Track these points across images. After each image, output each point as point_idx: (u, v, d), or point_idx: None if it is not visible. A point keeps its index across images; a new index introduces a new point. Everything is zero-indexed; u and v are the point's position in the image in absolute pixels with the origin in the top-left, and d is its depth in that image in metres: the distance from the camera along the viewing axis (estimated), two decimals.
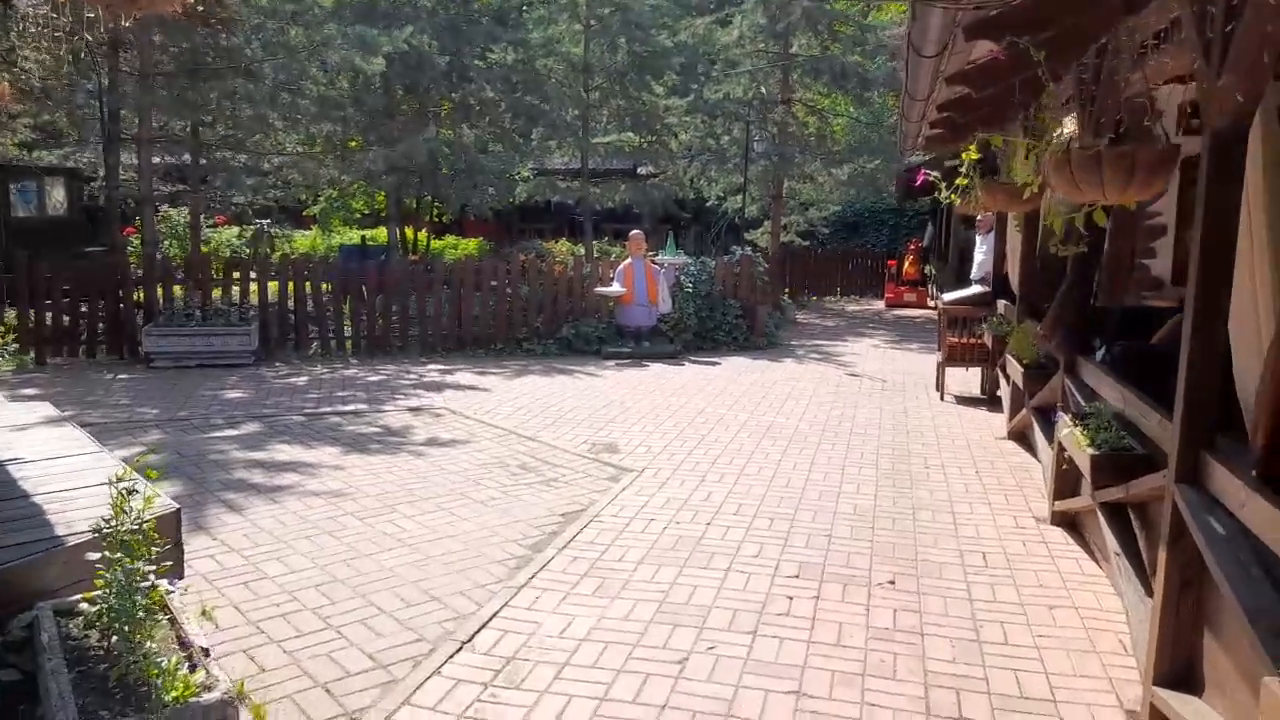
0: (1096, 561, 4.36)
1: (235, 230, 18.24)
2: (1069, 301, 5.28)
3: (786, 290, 16.86)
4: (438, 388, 8.78)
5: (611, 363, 10.36)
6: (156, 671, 2.51)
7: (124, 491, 2.73)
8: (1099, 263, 5.50)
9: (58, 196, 13.95)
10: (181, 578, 3.62)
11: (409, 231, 18.25)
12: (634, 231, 11.52)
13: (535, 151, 17.49)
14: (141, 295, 10.29)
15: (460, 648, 3.42)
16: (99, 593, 2.76)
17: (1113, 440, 3.82)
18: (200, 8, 10.43)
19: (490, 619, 3.68)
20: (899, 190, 17.19)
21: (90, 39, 11.90)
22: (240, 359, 9.69)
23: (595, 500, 5.27)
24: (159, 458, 6.00)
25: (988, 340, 7.88)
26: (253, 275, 10.68)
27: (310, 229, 20.58)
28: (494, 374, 9.57)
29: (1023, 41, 2.77)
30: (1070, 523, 4.88)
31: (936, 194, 4.46)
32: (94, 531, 2.85)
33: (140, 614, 2.61)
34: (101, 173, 13.99)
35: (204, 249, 16.43)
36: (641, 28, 15.89)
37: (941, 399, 8.42)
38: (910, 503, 5.30)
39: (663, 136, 17.20)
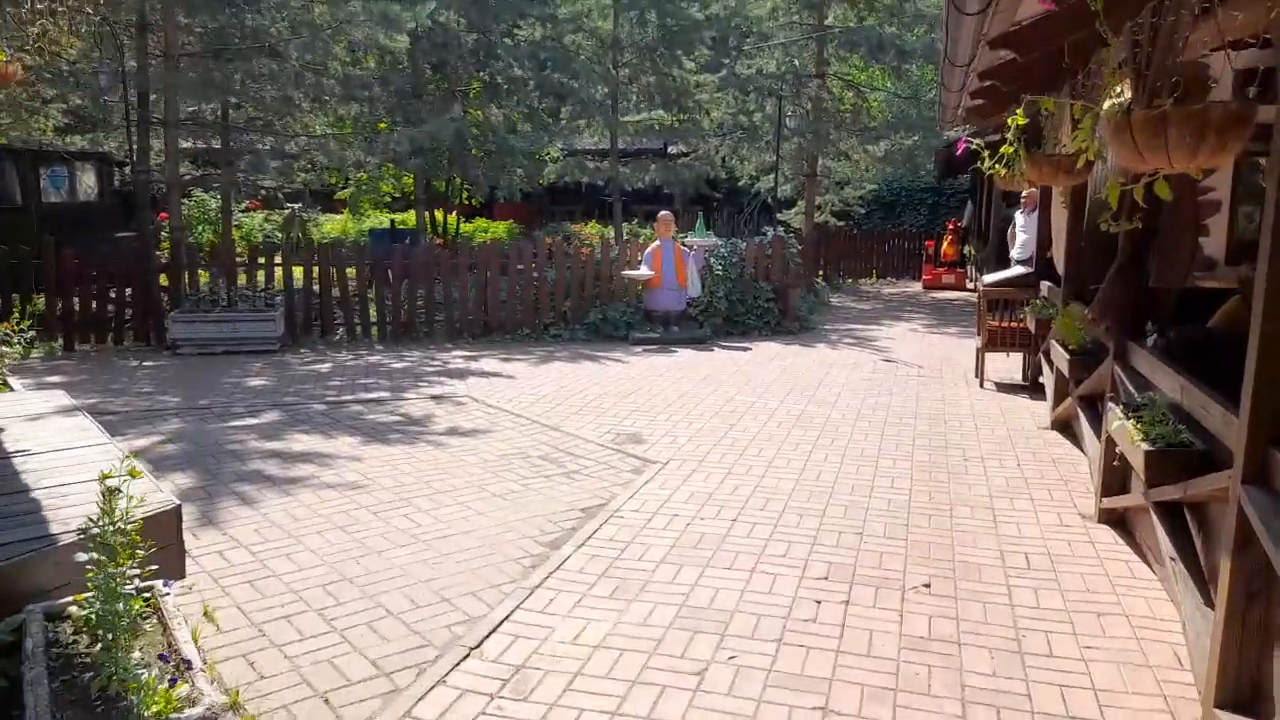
0: (1148, 564, 4.08)
1: (262, 215, 18.27)
2: (1120, 282, 4.94)
3: (821, 272, 16.49)
4: (462, 374, 8.64)
5: (639, 348, 10.15)
6: (135, 685, 2.36)
7: (108, 491, 2.58)
8: (1153, 240, 5.15)
9: (88, 181, 14.00)
10: (183, 577, 3.50)
11: (438, 215, 18.16)
12: (662, 213, 11.25)
13: (564, 131, 17.25)
14: (167, 281, 10.28)
15: (468, 654, 3.25)
16: (90, 595, 2.63)
17: (1169, 435, 3.53)
18: None
19: (501, 623, 3.50)
20: (938, 167, 16.70)
21: (117, 22, 11.90)
22: (266, 345, 9.63)
23: (617, 494, 5.08)
24: (175, 447, 5.94)
25: (1030, 324, 7.52)
26: (278, 261, 10.61)
27: (341, 213, 20.57)
28: (519, 360, 9.40)
29: None
30: (1119, 521, 4.58)
31: (979, 163, 4.16)
32: (80, 532, 2.71)
33: (124, 621, 2.47)
34: (133, 157, 14.07)
35: (236, 233, 16.50)
36: (672, 0, 15.54)
37: (981, 386, 8.10)
38: (947, 498, 5.03)
39: (693, 114, 16.85)
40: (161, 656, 2.65)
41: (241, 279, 10.46)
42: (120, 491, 2.63)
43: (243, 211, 18.63)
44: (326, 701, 2.96)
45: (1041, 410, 7.02)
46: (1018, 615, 3.60)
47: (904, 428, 6.58)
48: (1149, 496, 3.78)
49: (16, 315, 5.68)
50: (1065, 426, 6.40)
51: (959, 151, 4.19)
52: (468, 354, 9.78)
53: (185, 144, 13.65)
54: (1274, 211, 2.49)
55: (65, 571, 2.99)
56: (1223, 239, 6.19)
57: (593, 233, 17.86)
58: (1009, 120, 3.78)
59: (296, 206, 17.46)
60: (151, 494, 3.46)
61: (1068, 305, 6.17)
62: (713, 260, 11.33)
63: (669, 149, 19.18)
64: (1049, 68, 4.31)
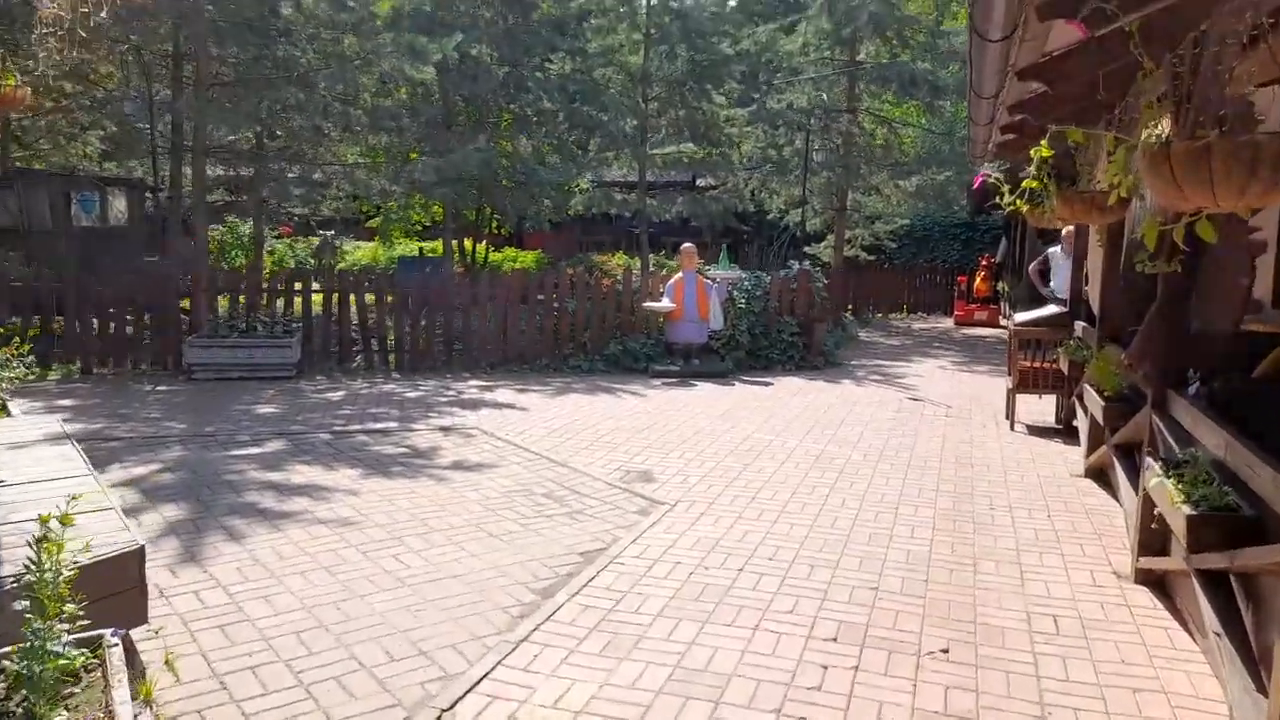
0: (1190, 634, 3.73)
1: (288, 242, 18.40)
2: (1159, 325, 4.62)
3: (849, 306, 16.19)
4: (474, 405, 8.46)
5: (658, 381, 9.92)
6: None
7: (36, 540, 2.39)
8: (1195, 281, 4.83)
9: (119, 207, 14.17)
10: (144, 623, 3.29)
11: (468, 243, 18.16)
12: (685, 245, 11.06)
13: (593, 163, 17.21)
14: (188, 306, 10.27)
15: (438, 717, 3.01)
16: (15, 649, 2.43)
17: (1213, 497, 3.22)
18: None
19: (479, 681, 3.25)
20: (971, 202, 16.38)
21: (152, 51, 12.07)
22: (282, 372, 9.55)
23: (619, 537, 4.83)
24: (173, 476, 5.80)
25: (1063, 365, 7.18)
26: (297, 287, 10.56)
27: (372, 240, 20.70)
28: (535, 391, 9.21)
29: (1110, 5, 2.23)
30: (1157, 582, 4.23)
31: (999, 199, 3.90)
32: (14, 579, 2.52)
33: (45, 684, 2.26)
34: (165, 184, 14.22)
35: (268, 259, 16.61)
36: (702, 35, 15.49)
37: (1011, 428, 7.74)
38: (971, 551, 4.71)
39: (723, 148, 16.73)
40: None
41: (264, 305, 10.42)
42: (53, 536, 2.44)
43: (276, 238, 18.79)
44: None
45: (1075, 456, 6.66)
46: (1044, 689, 3.28)
47: (928, 472, 6.26)
48: (1191, 562, 3.45)
49: (17, 340, 5.58)
50: (1100, 474, 6.04)
51: (975, 185, 3.94)
52: (483, 384, 9.61)
53: (218, 170, 13.79)
54: None
55: (6, 621, 2.80)
56: (1269, 280, 5.83)
57: (619, 263, 17.70)
58: (1032, 153, 3.53)
59: (329, 234, 17.57)
60: (116, 533, 3.27)
61: (1103, 348, 5.84)
62: (735, 293, 11.11)
63: (697, 181, 19.06)
64: (1083, 101, 4.06)
